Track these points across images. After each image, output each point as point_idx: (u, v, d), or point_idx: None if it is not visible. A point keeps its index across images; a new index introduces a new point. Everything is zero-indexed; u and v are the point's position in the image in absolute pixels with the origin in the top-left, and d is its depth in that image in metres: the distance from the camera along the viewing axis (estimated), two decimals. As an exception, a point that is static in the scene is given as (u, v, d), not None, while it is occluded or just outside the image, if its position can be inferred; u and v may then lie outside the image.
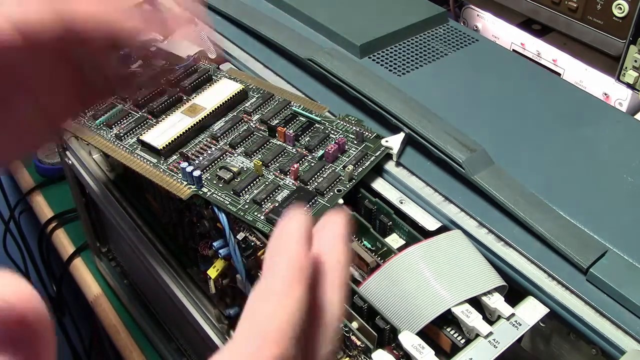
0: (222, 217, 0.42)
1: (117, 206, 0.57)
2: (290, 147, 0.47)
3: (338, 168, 0.45)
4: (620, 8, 0.58)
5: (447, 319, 0.37)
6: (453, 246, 0.40)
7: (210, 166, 0.46)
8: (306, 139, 0.48)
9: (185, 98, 0.52)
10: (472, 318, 0.36)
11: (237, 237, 0.42)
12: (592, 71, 0.63)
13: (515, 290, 0.40)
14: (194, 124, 0.48)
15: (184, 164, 0.44)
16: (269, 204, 0.43)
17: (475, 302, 0.37)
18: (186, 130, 0.48)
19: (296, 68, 0.57)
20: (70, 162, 0.64)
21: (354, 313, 0.37)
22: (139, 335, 0.72)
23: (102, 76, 0.37)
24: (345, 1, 0.64)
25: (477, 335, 0.36)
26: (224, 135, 0.48)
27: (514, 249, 0.41)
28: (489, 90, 0.53)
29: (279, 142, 0.48)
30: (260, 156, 0.46)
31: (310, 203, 0.42)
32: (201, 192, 0.44)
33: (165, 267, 0.53)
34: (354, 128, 0.48)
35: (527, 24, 0.71)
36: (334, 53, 0.54)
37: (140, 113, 0.51)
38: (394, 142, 0.47)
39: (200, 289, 0.51)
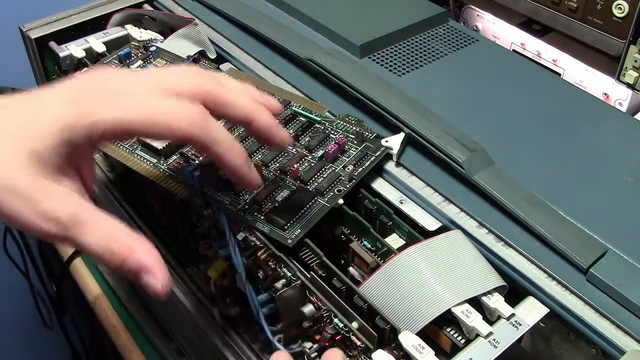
0: (222, 217, 0.42)
1: (117, 206, 0.56)
2: (290, 147, 0.47)
3: (338, 168, 0.45)
4: (620, 8, 0.58)
5: (447, 319, 0.37)
6: (453, 246, 0.40)
7: (210, 166, 0.46)
8: (306, 139, 0.48)
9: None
10: (472, 318, 0.36)
11: (237, 237, 0.42)
12: (592, 71, 0.63)
13: (515, 290, 0.40)
14: (194, 124, 0.48)
15: (184, 164, 0.44)
16: (269, 204, 0.43)
17: (475, 302, 0.37)
18: (186, 130, 0.48)
19: (296, 68, 0.57)
20: (70, 162, 0.64)
21: (354, 313, 0.37)
22: (139, 335, 0.72)
23: None
24: (345, 1, 0.64)
25: (477, 335, 0.36)
26: (224, 135, 0.48)
27: (514, 249, 0.41)
28: (489, 90, 0.53)
29: (279, 142, 0.48)
30: (260, 156, 0.46)
31: (310, 203, 0.42)
32: (201, 192, 0.44)
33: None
34: (354, 128, 0.48)
35: (527, 24, 0.71)
36: (334, 53, 0.54)
37: (140, 113, 0.51)
38: (394, 142, 0.47)
39: (200, 289, 0.51)
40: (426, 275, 0.38)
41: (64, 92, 0.33)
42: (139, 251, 0.32)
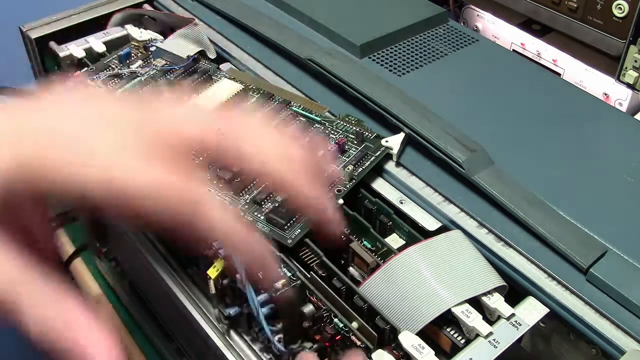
0: (222, 217, 0.42)
1: (117, 206, 0.56)
2: (290, 147, 0.47)
3: (338, 168, 0.45)
4: (620, 8, 0.58)
5: (447, 319, 0.37)
6: (453, 246, 0.40)
7: (210, 166, 0.46)
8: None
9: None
10: (472, 318, 0.36)
11: (237, 237, 0.42)
12: (592, 71, 0.63)
13: (515, 290, 0.40)
14: (194, 124, 0.48)
15: (184, 164, 0.44)
16: (269, 204, 0.43)
17: (475, 302, 0.37)
18: (186, 130, 0.48)
19: (296, 68, 0.56)
20: (70, 162, 0.64)
21: (354, 313, 0.37)
22: (139, 335, 0.72)
23: None
24: (345, 1, 0.64)
25: (477, 335, 0.36)
26: (224, 135, 0.48)
27: (514, 249, 0.41)
28: (489, 90, 0.53)
29: (279, 142, 0.48)
30: (260, 156, 0.46)
31: (310, 203, 0.42)
32: (201, 192, 0.44)
33: (165, 267, 0.53)
34: (354, 128, 0.48)
35: (527, 24, 0.71)
36: (334, 53, 0.54)
37: (140, 113, 0.51)
38: (394, 142, 0.47)
39: (200, 289, 0.51)
40: (426, 275, 0.38)
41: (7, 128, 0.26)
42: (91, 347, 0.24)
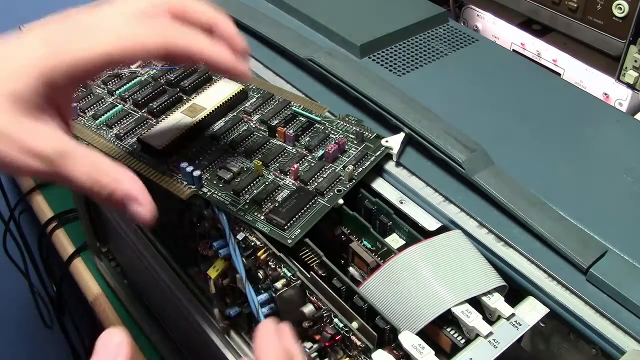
0: (222, 217, 0.42)
1: (117, 206, 0.56)
2: (290, 147, 0.47)
3: (338, 168, 0.45)
4: (620, 8, 0.58)
5: (447, 319, 0.37)
6: (453, 246, 0.40)
7: (210, 166, 0.46)
8: (306, 139, 0.48)
9: (185, 98, 0.52)
10: (472, 318, 0.36)
11: (237, 237, 0.42)
12: (592, 71, 0.63)
13: (515, 290, 0.40)
14: (194, 124, 0.48)
15: (184, 164, 0.44)
16: (269, 204, 0.43)
17: (475, 302, 0.37)
18: (186, 130, 0.48)
19: (296, 68, 0.57)
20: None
21: (354, 313, 0.37)
22: (139, 335, 0.72)
23: None
24: (345, 1, 0.64)
25: (477, 335, 0.36)
26: (224, 135, 0.48)
27: (514, 249, 0.41)
28: (489, 90, 0.53)
29: (279, 142, 0.48)
30: (260, 156, 0.46)
31: (310, 203, 0.42)
32: (201, 192, 0.44)
33: (165, 267, 0.53)
34: (354, 128, 0.48)
35: (527, 24, 0.71)
36: (334, 53, 0.54)
37: (140, 113, 0.51)
38: (394, 142, 0.47)
39: (200, 289, 0.51)
40: (426, 275, 0.38)
41: (38, 34, 0.34)
42: (125, 182, 0.34)
